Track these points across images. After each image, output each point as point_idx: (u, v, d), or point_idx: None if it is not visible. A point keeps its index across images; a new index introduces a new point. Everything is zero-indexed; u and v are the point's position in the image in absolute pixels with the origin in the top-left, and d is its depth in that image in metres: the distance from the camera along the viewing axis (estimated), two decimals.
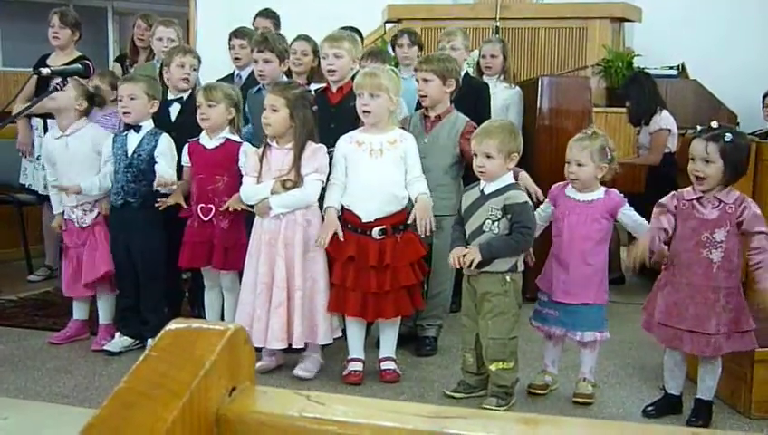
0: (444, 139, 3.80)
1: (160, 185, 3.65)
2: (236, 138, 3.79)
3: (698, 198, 2.99)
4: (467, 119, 3.81)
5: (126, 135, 3.86)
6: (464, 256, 3.12)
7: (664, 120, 5.20)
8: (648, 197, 4.70)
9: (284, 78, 4.17)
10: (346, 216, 3.48)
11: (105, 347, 3.84)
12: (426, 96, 3.81)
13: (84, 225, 3.89)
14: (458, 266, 3.20)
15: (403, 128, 3.70)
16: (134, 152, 3.80)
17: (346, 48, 3.83)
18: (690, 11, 7.15)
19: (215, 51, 5.50)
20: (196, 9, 8.34)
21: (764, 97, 5.89)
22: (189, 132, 3.84)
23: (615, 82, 6.34)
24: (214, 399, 0.83)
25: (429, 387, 3.45)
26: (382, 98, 3.40)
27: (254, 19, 5.30)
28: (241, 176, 3.63)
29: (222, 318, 3.83)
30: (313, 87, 4.03)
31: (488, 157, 3.15)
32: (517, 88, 4.99)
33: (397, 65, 4.98)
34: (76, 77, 3.84)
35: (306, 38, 4.37)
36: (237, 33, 4.76)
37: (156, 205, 3.71)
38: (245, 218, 3.70)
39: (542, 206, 3.40)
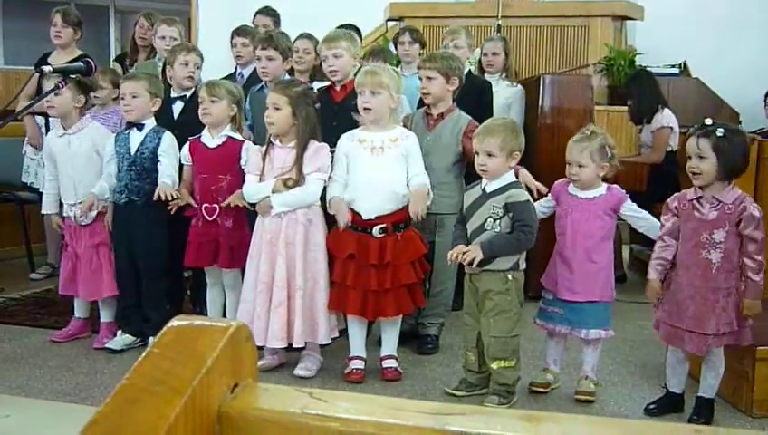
0: (446, 137, 3.80)
1: (162, 194, 3.65)
2: (238, 136, 3.79)
3: (698, 199, 2.99)
4: (470, 117, 3.81)
5: (128, 133, 3.86)
6: (464, 253, 3.12)
7: (666, 118, 5.20)
8: (650, 195, 4.72)
9: (287, 76, 4.17)
10: None
11: (107, 345, 3.84)
12: (428, 94, 3.81)
13: (83, 223, 3.89)
14: (455, 262, 3.20)
15: (405, 126, 3.71)
16: (137, 150, 3.80)
17: (344, 47, 3.83)
18: (692, 9, 7.14)
19: (216, 49, 5.51)
20: (197, 8, 8.34)
21: (766, 95, 5.89)
22: (192, 130, 3.84)
23: (617, 81, 6.33)
24: (216, 396, 0.83)
25: (431, 385, 3.45)
26: (383, 95, 3.40)
27: (255, 17, 5.31)
28: (244, 175, 3.63)
29: (224, 316, 3.83)
30: (316, 85, 4.03)
31: (490, 155, 3.15)
32: (519, 86, 4.99)
33: (399, 63, 4.99)
34: (70, 76, 3.84)
35: (309, 36, 4.37)
36: (240, 32, 4.76)
37: (168, 209, 3.70)
38: (248, 217, 3.71)
39: (543, 199, 3.39)
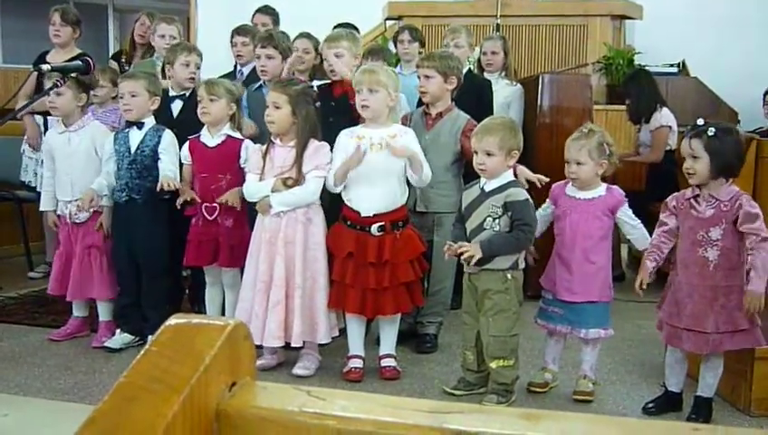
0: (445, 136, 3.80)
1: (165, 183, 3.64)
2: (237, 135, 3.79)
3: (695, 197, 2.99)
4: (468, 117, 3.81)
5: (128, 132, 3.86)
6: (463, 252, 3.12)
7: (664, 117, 5.20)
8: (649, 194, 4.72)
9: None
10: (345, 211, 3.48)
11: (105, 344, 3.84)
12: (426, 93, 3.81)
13: (78, 221, 3.89)
14: (451, 255, 3.19)
15: (404, 125, 3.70)
16: (137, 149, 3.80)
17: (345, 46, 3.85)
18: (691, 8, 7.14)
19: (214, 48, 5.50)
20: (196, 7, 8.34)
21: (765, 94, 5.88)
22: (191, 129, 3.84)
23: (616, 80, 6.33)
24: (214, 394, 0.83)
25: (429, 384, 3.45)
26: (381, 93, 3.40)
27: (254, 15, 5.31)
28: (243, 174, 3.63)
29: (223, 315, 3.83)
30: (315, 84, 4.02)
31: (488, 154, 3.15)
32: (518, 85, 4.99)
33: (398, 62, 4.99)
34: (70, 76, 3.84)
35: (308, 36, 4.37)
36: (240, 31, 4.77)
37: (175, 204, 3.70)
38: (248, 216, 3.71)
39: (542, 207, 3.39)
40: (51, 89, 3.75)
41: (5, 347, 3.87)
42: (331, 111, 3.76)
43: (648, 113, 5.25)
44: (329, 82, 3.96)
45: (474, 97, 4.21)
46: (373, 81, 3.40)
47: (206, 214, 3.73)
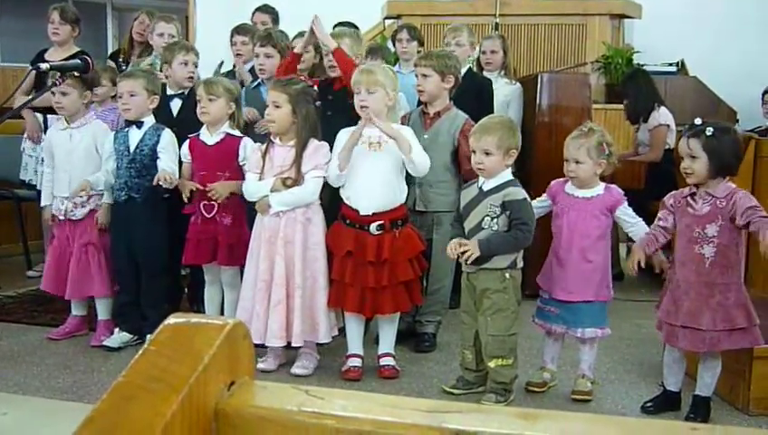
0: (443, 135, 3.80)
1: (162, 179, 3.64)
2: (237, 133, 3.79)
3: (692, 195, 2.99)
4: (466, 116, 3.81)
5: (127, 131, 3.86)
6: (463, 248, 3.11)
7: (662, 116, 5.20)
8: (648, 193, 4.72)
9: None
10: (344, 210, 3.48)
11: (104, 343, 3.84)
12: (423, 91, 3.82)
13: (74, 218, 3.89)
14: (454, 257, 3.20)
15: (403, 124, 3.70)
16: (137, 148, 3.80)
17: (347, 44, 3.90)
18: (690, 8, 7.14)
19: (213, 47, 5.50)
20: (195, 5, 8.33)
21: (764, 94, 5.89)
22: (191, 128, 3.84)
23: (614, 79, 6.33)
24: (212, 393, 0.83)
25: (428, 383, 3.45)
26: (379, 93, 3.40)
27: (253, 14, 5.30)
28: (242, 171, 3.63)
29: (222, 314, 3.83)
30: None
31: (487, 154, 3.15)
32: (518, 84, 4.99)
33: (396, 61, 4.99)
34: (71, 76, 3.84)
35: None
36: (239, 30, 4.77)
37: (184, 198, 3.70)
38: (247, 214, 3.71)
39: (538, 199, 3.39)
40: (50, 88, 3.76)
41: (4, 346, 3.86)
42: (329, 105, 3.77)
43: (646, 113, 5.25)
44: (329, 78, 3.97)
45: (474, 96, 4.22)
46: (371, 81, 3.40)
47: (204, 212, 3.73)
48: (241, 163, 3.70)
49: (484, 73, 4.92)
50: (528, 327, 3.53)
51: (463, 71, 4.43)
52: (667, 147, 5.18)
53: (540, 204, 3.38)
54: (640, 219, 3.29)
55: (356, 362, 3.52)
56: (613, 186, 3.32)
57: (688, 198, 3.00)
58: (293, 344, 3.45)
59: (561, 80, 5.01)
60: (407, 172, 3.51)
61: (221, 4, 7.65)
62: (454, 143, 3.79)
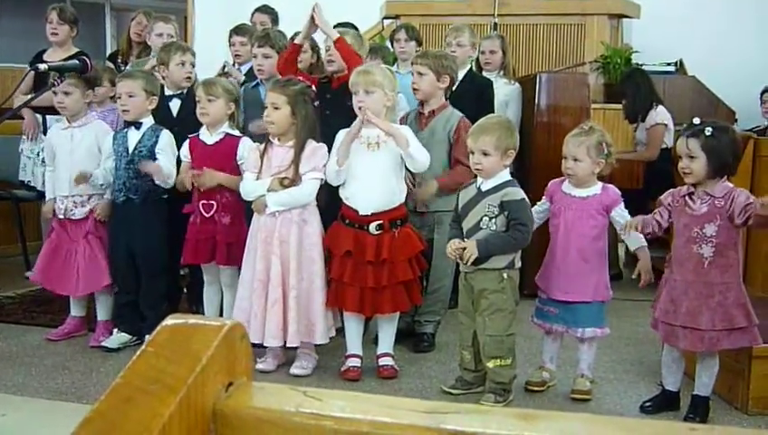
0: (438, 134, 3.80)
1: (153, 172, 3.64)
2: (236, 132, 3.80)
3: (690, 194, 2.99)
4: (461, 115, 3.81)
5: (126, 132, 3.86)
6: (462, 250, 3.12)
7: (660, 115, 5.21)
8: (646, 192, 4.73)
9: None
10: (343, 210, 3.48)
11: (103, 344, 3.84)
12: (418, 90, 3.83)
13: (74, 217, 3.88)
14: (454, 257, 3.20)
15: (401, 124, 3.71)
16: (135, 149, 3.80)
17: (348, 42, 3.89)
18: (688, 7, 7.15)
19: (212, 47, 5.50)
20: (193, 5, 8.33)
21: (762, 93, 5.90)
22: (192, 128, 3.84)
23: (613, 79, 6.33)
24: (210, 394, 0.83)
25: (427, 383, 3.45)
26: (377, 94, 3.40)
27: (252, 14, 5.30)
28: (240, 171, 3.63)
29: (221, 314, 3.83)
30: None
31: (485, 154, 3.15)
32: (517, 84, 4.99)
33: (395, 61, 4.99)
34: (73, 76, 3.84)
35: None
36: (238, 31, 4.77)
37: (191, 178, 3.69)
38: (246, 214, 3.71)
39: (538, 203, 3.39)
40: (48, 88, 3.76)
41: (3, 347, 3.86)
42: (328, 104, 3.78)
43: (644, 112, 5.26)
44: (328, 76, 3.97)
45: (475, 97, 4.22)
46: (369, 81, 3.40)
47: (203, 211, 3.73)
48: (239, 162, 3.70)
49: (483, 73, 4.92)
50: (527, 327, 3.54)
51: (465, 71, 4.46)
52: (664, 146, 5.18)
53: (540, 208, 3.38)
54: None
55: (355, 362, 3.51)
56: (610, 186, 3.32)
57: (686, 198, 3.00)
58: (289, 345, 3.45)
59: (560, 80, 5.01)
60: (406, 172, 3.51)
61: (220, 4, 7.65)
62: (450, 141, 3.79)
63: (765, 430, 3.05)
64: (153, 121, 3.87)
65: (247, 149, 3.67)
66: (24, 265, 5.42)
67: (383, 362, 3.53)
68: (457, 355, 3.39)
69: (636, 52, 6.59)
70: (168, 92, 4.18)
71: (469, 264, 3.13)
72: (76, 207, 3.89)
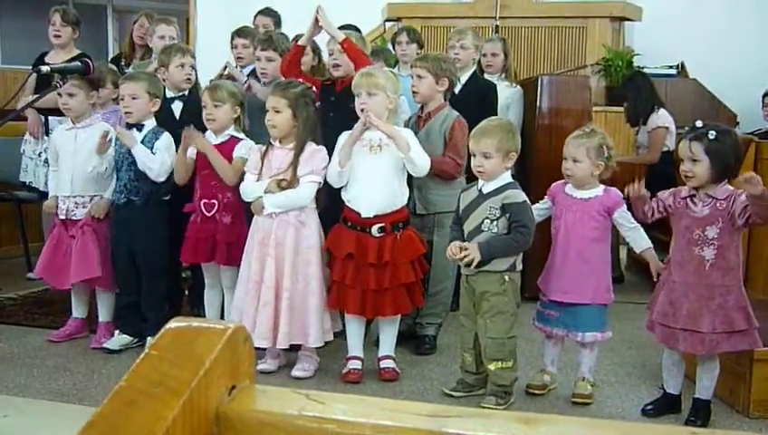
0: (434, 133, 3.81)
1: (127, 142, 3.70)
2: (241, 135, 3.80)
3: (691, 196, 2.99)
4: (458, 114, 3.81)
5: None
6: (463, 253, 3.12)
7: (661, 118, 5.21)
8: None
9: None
10: (346, 212, 3.48)
11: (104, 345, 3.84)
12: (417, 92, 3.84)
13: (74, 218, 3.89)
14: (455, 259, 3.19)
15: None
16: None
17: None
18: (690, 10, 7.15)
19: (214, 49, 5.51)
20: (195, 7, 8.34)
21: (764, 96, 5.89)
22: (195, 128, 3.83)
23: (615, 82, 6.34)
24: (214, 397, 0.83)
25: (428, 386, 3.45)
26: (379, 96, 3.41)
27: (255, 17, 5.31)
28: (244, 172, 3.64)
29: (222, 317, 3.83)
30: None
31: (486, 156, 3.15)
32: (518, 87, 4.99)
33: (397, 63, 4.99)
34: (76, 78, 3.84)
35: None
36: (240, 33, 4.77)
37: (185, 133, 3.70)
38: (247, 214, 3.71)
39: (539, 202, 3.39)
40: (51, 90, 3.76)
41: (4, 348, 3.87)
42: (331, 106, 3.78)
43: (645, 115, 5.26)
44: (332, 79, 3.99)
45: (478, 100, 4.22)
46: (371, 84, 3.40)
47: (204, 210, 3.73)
48: (234, 156, 3.70)
49: (485, 76, 4.92)
50: (528, 330, 3.54)
51: (468, 74, 4.46)
52: (666, 149, 5.18)
53: (541, 206, 3.38)
54: (638, 225, 3.28)
55: (356, 364, 3.52)
56: (613, 188, 3.31)
57: (688, 200, 3.00)
58: (278, 346, 3.45)
59: (562, 82, 5.02)
60: (407, 175, 3.51)
61: (222, 6, 7.66)
62: (444, 140, 3.80)
63: (766, 433, 3.05)
64: (155, 124, 3.87)
65: (246, 148, 3.68)
66: (25, 267, 5.42)
67: (384, 364, 3.53)
68: (459, 358, 3.39)
69: (637, 54, 6.60)
70: (169, 94, 4.19)
71: (471, 267, 3.13)
72: (77, 207, 3.90)
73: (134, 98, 3.79)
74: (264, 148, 3.55)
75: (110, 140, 3.80)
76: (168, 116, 4.07)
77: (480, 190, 3.20)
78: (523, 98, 4.93)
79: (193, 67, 4.25)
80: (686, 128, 3.16)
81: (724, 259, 2.95)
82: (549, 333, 3.34)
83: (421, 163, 3.42)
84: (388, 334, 3.57)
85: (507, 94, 4.86)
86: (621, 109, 5.62)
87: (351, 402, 0.84)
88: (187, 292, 4.38)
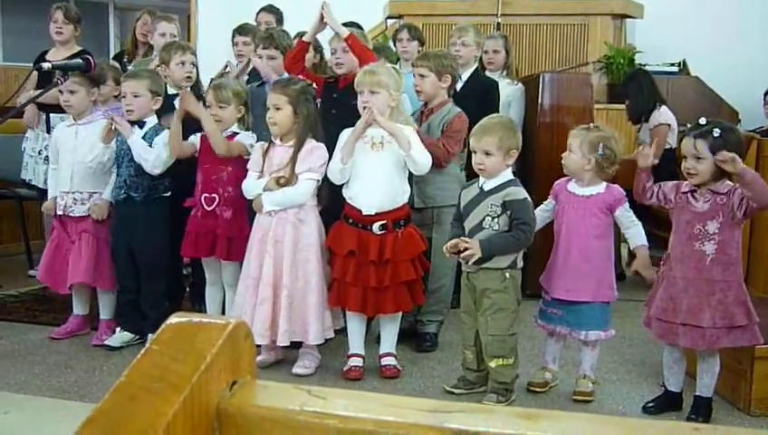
0: (434, 128, 3.82)
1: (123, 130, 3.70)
2: (244, 132, 3.80)
3: (692, 192, 2.99)
4: (459, 110, 3.81)
5: None
6: (464, 250, 3.11)
7: (663, 115, 5.20)
8: None
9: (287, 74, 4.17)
10: (347, 210, 3.48)
11: (105, 342, 3.84)
12: (421, 91, 3.84)
13: (72, 214, 3.88)
14: (452, 251, 3.19)
15: None
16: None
17: None
18: (692, 7, 7.13)
19: (215, 46, 5.50)
20: (196, 5, 8.33)
21: (766, 94, 5.88)
22: (195, 126, 3.83)
23: (616, 79, 6.32)
24: (214, 393, 0.83)
25: (429, 383, 3.45)
26: (382, 94, 3.41)
27: (257, 14, 5.31)
28: (245, 166, 3.63)
29: (223, 313, 3.83)
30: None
31: (487, 154, 3.15)
32: (519, 84, 4.98)
33: (398, 60, 4.99)
34: (77, 75, 3.84)
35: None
36: (241, 31, 4.77)
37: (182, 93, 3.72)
38: (249, 210, 3.71)
39: (545, 202, 3.39)
40: (52, 86, 3.77)
41: (6, 345, 3.87)
42: (334, 103, 3.77)
43: (647, 112, 5.25)
44: (334, 77, 3.99)
45: (480, 97, 4.22)
46: (374, 82, 3.40)
47: (204, 204, 3.73)
48: (236, 140, 3.70)
49: (487, 73, 4.92)
50: (529, 327, 3.54)
51: (470, 71, 4.46)
52: (668, 146, 5.17)
53: (546, 207, 3.38)
54: (639, 223, 3.28)
55: (357, 361, 3.52)
56: (615, 185, 3.31)
57: (689, 195, 3.00)
58: (278, 344, 3.44)
59: (563, 80, 5.01)
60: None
61: (223, 3, 7.65)
62: (442, 132, 3.80)
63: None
64: (156, 121, 3.87)
65: (248, 137, 3.70)
66: (27, 264, 5.43)
67: (385, 361, 3.53)
68: (460, 355, 3.39)
69: (639, 52, 6.58)
70: (171, 91, 4.19)
71: (471, 263, 3.13)
72: (75, 203, 3.89)
73: (136, 96, 3.79)
74: (266, 145, 3.55)
75: (115, 129, 3.79)
76: (170, 113, 4.06)
77: (481, 188, 3.20)
78: (525, 95, 4.92)
79: (194, 64, 4.25)
80: (688, 125, 3.16)
81: (724, 254, 2.95)
82: (551, 330, 3.34)
83: (422, 161, 3.42)
84: (389, 332, 3.57)
85: (509, 92, 4.86)
86: (623, 106, 5.61)
87: (353, 398, 0.84)
88: (188, 289, 4.38)
